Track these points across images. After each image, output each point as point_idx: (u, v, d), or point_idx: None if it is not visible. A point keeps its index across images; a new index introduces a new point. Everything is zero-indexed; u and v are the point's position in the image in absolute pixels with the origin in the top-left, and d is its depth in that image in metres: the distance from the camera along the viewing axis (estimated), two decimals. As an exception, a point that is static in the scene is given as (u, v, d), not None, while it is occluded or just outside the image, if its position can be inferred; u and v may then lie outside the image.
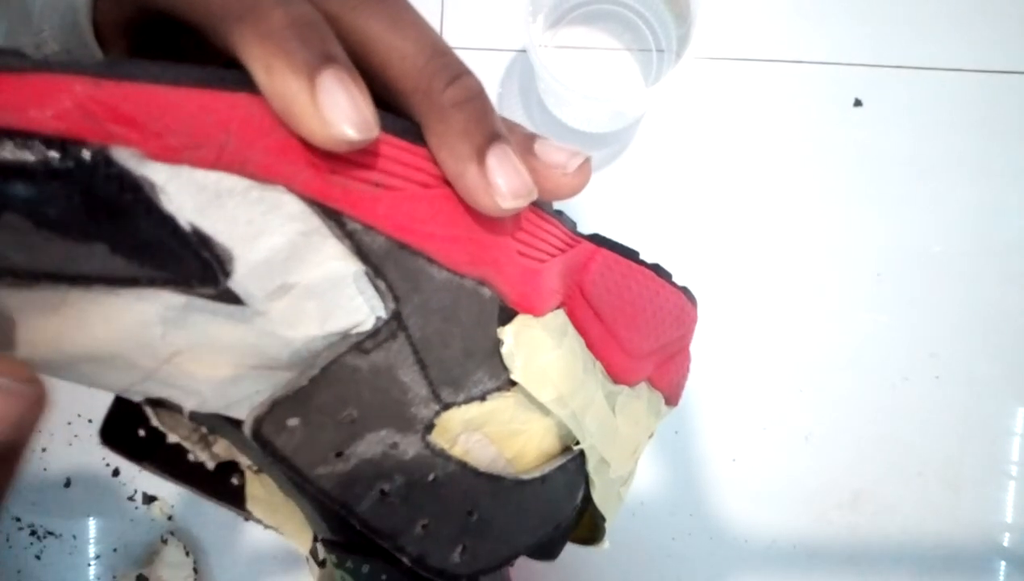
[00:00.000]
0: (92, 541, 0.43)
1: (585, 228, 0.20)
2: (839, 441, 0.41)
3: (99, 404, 0.46)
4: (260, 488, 0.22)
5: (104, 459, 0.42)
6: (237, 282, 0.13)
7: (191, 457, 0.20)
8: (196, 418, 0.18)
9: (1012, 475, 0.41)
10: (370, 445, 0.16)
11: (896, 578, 0.40)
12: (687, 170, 0.43)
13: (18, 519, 0.43)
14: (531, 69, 0.37)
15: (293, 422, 0.15)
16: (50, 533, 0.43)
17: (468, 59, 0.15)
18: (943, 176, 0.42)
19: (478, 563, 0.18)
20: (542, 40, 0.42)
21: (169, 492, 0.42)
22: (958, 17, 0.43)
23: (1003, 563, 0.40)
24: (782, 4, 0.43)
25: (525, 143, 0.17)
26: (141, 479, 0.42)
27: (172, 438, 0.20)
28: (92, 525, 0.43)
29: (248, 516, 0.22)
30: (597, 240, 0.20)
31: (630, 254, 0.21)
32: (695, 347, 0.27)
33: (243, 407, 0.15)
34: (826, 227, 0.42)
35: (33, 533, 0.43)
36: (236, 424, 0.15)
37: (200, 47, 0.15)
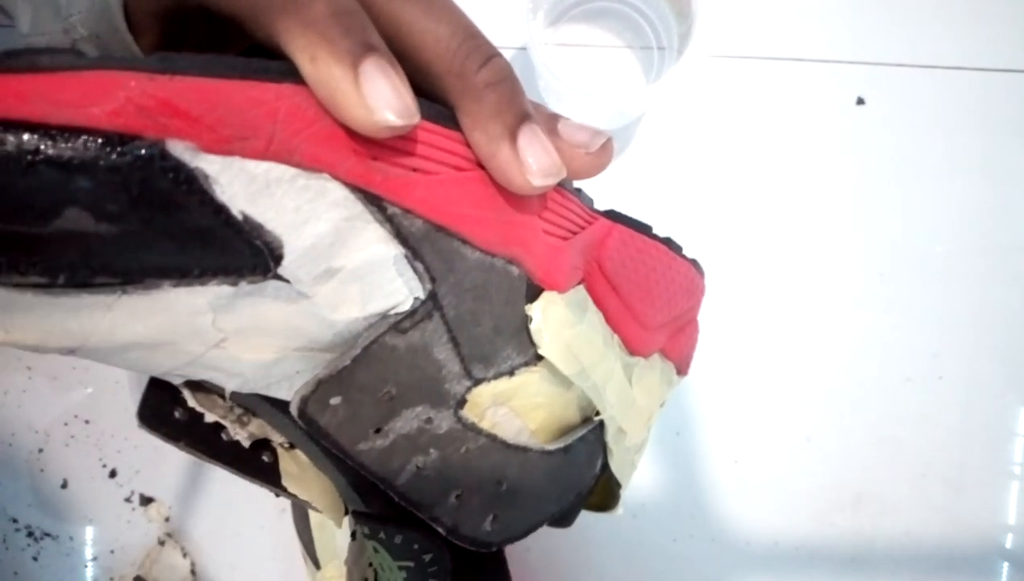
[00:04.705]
0: (89, 543, 0.42)
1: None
2: (841, 442, 0.41)
3: (95, 405, 0.45)
4: (293, 464, 0.22)
5: (101, 460, 0.42)
6: (286, 268, 0.14)
7: (225, 436, 0.21)
8: (236, 398, 0.19)
9: (1015, 476, 0.40)
10: (407, 421, 0.16)
11: (898, 580, 0.40)
12: (688, 168, 0.42)
13: (15, 520, 0.43)
14: (531, 67, 0.36)
15: (336, 400, 0.15)
16: (47, 535, 0.42)
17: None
18: (947, 175, 0.42)
19: (508, 531, 0.19)
20: (542, 37, 0.41)
21: (166, 493, 0.42)
22: (962, 15, 0.42)
23: (1006, 564, 0.40)
24: (784, 1, 0.43)
25: (549, 123, 0.17)
26: (138, 480, 0.42)
27: (209, 418, 0.20)
28: (89, 527, 0.42)
29: (282, 493, 0.22)
30: (612, 216, 0.21)
31: (643, 228, 0.22)
32: (697, 347, 0.27)
33: (282, 387, 0.16)
34: (829, 226, 0.42)
35: (30, 535, 0.43)
36: (274, 403, 0.16)
37: (222, 36, 0.16)
